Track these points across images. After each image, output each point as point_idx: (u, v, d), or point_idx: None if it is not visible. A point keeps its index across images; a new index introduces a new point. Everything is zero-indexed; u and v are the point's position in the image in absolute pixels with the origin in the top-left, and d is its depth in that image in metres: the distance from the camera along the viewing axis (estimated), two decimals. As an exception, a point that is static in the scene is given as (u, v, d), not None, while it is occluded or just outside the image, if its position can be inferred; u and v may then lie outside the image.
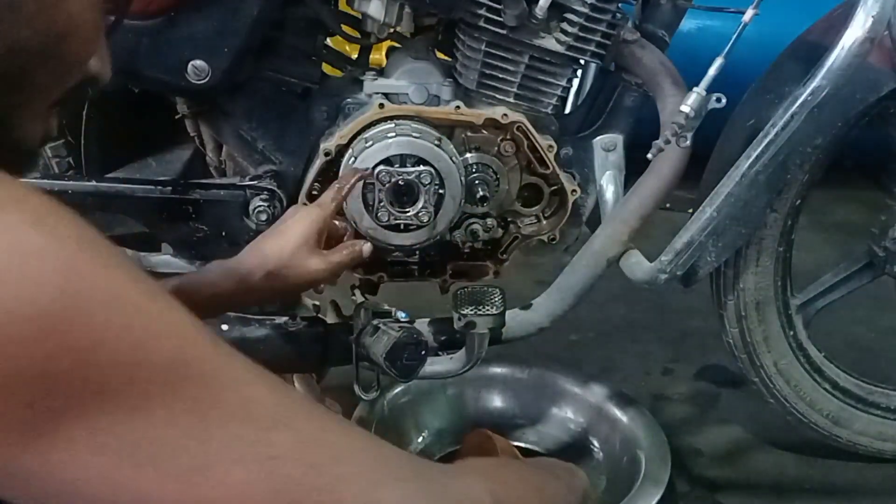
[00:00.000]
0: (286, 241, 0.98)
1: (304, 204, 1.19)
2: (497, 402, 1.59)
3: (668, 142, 1.11)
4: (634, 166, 1.29)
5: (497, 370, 1.59)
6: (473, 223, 1.26)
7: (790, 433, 1.57)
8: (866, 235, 1.51)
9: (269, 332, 1.19)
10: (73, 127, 1.32)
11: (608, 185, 1.29)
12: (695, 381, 1.87)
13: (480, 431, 1.44)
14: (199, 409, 0.45)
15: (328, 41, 1.28)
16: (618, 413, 1.49)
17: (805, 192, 1.35)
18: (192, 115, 1.23)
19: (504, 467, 0.78)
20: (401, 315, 1.17)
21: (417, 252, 1.27)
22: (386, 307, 1.21)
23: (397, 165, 1.17)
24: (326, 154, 1.19)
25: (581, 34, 1.16)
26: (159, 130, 1.35)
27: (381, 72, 1.24)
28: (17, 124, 0.55)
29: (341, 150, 1.20)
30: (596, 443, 1.51)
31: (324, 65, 1.26)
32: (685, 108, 1.09)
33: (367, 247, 1.07)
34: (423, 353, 1.11)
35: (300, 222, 1.00)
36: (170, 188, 1.17)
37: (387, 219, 1.19)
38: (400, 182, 1.17)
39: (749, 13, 1.08)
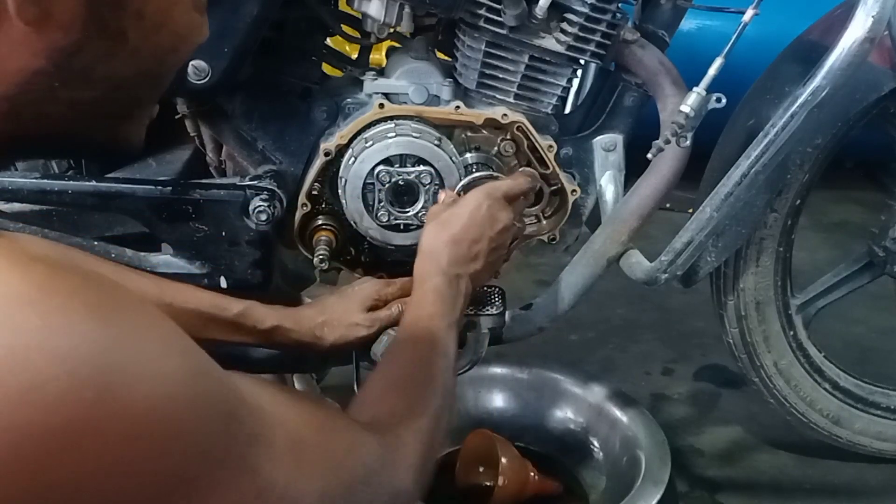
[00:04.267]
0: (347, 298, 1.12)
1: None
2: (497, 402, 1.59)
3: (668, 142, 1.11)
4: (634, 166, 1.29)
5: (497, 370, 1.59)
6: (473, 223, 1.25)
7: (790, 433, 1.57)
8: (866, 235, 1.51)
9: (269, 332, 1.19)
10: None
11: (608, 185, 1.29)
12: (695, 381, 1.87)
13: (480, 431, 1.45)
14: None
15: (328, 41, 1.28)
16: (618, 413, 1.49)
17: (805, 192, 1.35)
18: (192, 115, 1.23)
19: None
20: (401, 315, 1.17)
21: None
22: (386, 307, 1.21)
23: (397, 165, 1.17)
24: (326, 154, 1.19)
25: (581, 34, 1.16)
26: (159, 130, 1.35)
27: (381, 72, 1.24)
28: (126, 133, 0.59)
29: (341, 150, 1.20)
30: (596, 443, 1.51)
31: (324, 65, 1.26)
32: (685, 108, 1.09)
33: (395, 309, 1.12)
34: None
35: (365, 285, 1.14)
36: (170, 188, 1.17)
37: (387, 219, 1.19)
38: (400, 182, 1.17)
39: (749, 13, 1.08)
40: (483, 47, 1.17)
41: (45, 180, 1.14)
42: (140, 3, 0.51)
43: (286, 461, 0.54)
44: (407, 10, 1.17)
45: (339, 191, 1.19)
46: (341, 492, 0.60)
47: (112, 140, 0.58)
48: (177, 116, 1.24)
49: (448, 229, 1.03)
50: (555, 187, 1.27)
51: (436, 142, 1.18)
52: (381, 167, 1.16)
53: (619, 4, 1.18)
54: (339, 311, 1.09)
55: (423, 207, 1.19)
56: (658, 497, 1.28)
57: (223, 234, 1.22)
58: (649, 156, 1.15)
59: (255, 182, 1.19)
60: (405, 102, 1.21)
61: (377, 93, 1.21)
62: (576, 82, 1.37)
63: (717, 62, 1.08)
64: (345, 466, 0.61)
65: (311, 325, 1.07)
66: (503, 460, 1.35)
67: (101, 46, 0.50)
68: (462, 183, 1.18)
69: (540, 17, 1.13)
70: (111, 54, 0.51)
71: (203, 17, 0.57)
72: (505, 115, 1.20)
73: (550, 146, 1.23)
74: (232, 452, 0.50)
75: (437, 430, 0.77)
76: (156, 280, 1.05)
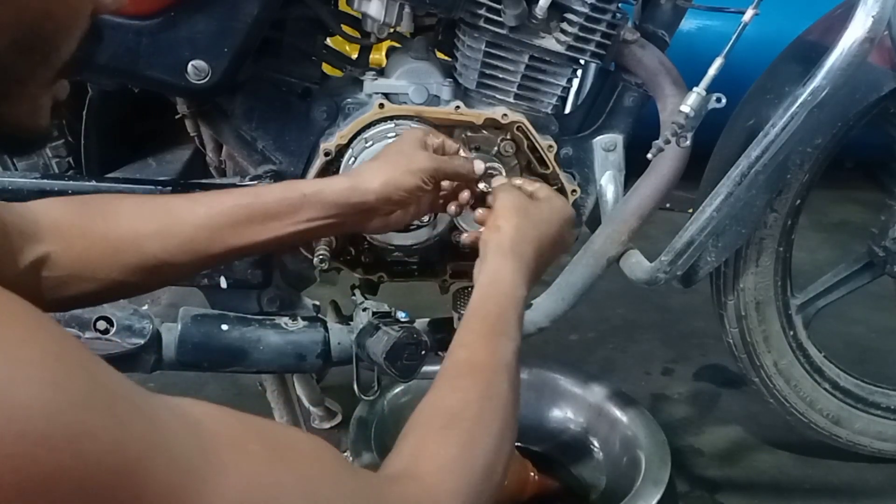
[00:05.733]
0: (399, 149, 0.95)
1: None
2: (497, 402, 1.59)
3: (668, 142, 1.11)
4: (634, 166, 1.29)
5: (497, 370, 1.59)
6: (473, 223, 1.25)
7: (790, 433, 1.57)
8: (866, 235, 1.51)
9: (269, 332, 1.19)
10: (73, 127, 1.32)
11: (608, 185, 1.29)
12: (695, 381, 1.87)
13: (480, 431, 1.44)
14: None
15: (328, 41, 1.28)
16: (618, 413, 1.49)
17: (805, 192, 1.35)
18: (192, 115, 1.23)
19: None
20: (401, 315, 1.17)
21: (417, 252, 1.27)
22: (386, 307, 1.21)
23: (397, 165, 1.17)
24: (326, 154, 1.19)
25: (581, 34, 1.16)
26: (159, 130, 1.35)
27: (381, 72, 1.24)
28: (11, 116, 0.52)
29: (341, 150, 1.20)
30: (596, 443, 1.50)
31: (324, 65, 1.26)
32: (685, 108, 1.09)
33: (479, 164, 0.97)
34: (423, 353, 1.11)
35: (408, 133, 0.98)
36: (170, 188, 1.17)
37: (387, 219, 1.19)
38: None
39: (749, 13, 1.08)
40: (483, 47, 1.17)
41: (45, 180, 1.14)
42: None
43: None
44: (407, 10, 1.17)
45: (339, 191, 1.19)
46: None
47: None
48: (177, 116, 1.24)
49: (538, 231, 0.87)
50: (555, 187, 1.27)
51: (436, 142, 1.18)
52: (381, 167, 1.16)
53: (619, 4, 1.18)
54: (398, 162, 0.92)
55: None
56: (658, 497, 1.28)
57: (223, 234, 1.22)
58: (649, 156, 1.15)
59: (255, 182, 1.19)
60: (405, 102, 1.21)
61: (377, 93, 1.21)
62: (576, 82, 1.37)
63: (717, 62, 1.08)
64: None
65: (375, 185, 0.91)
66: (503, 460, 1.35)
67: None
68: None
69: (540, 17, 1.13)
70: None
71: None
72: (505, 115, 1.20)
73: (550, 146, 1.23)
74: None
75: (488, 479, 0.65)
76: (188, 195, 0.93)
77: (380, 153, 0.98)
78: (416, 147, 0.95)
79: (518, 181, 0.97)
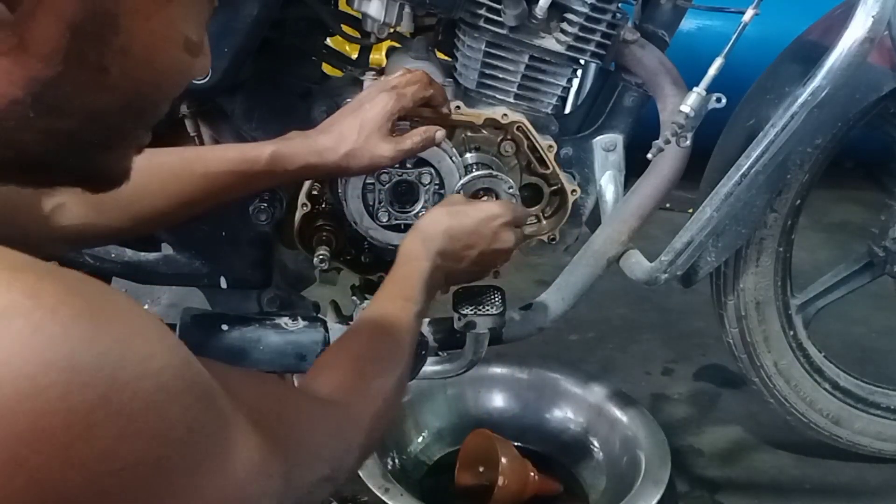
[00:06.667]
0: (364, 125, 1.04)
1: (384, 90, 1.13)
2: (497, 402, 1.59)
3: (668, 142, 1.11)
4: (634, 166, 1.29)
5: (497, 370, 1.59)
6: (473, 223, 1.25)
7: (790, 433, 1.57)
8: (866, 235, 1.51)
9: (269, 332, 1.19)
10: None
11: (608, 185, 1.29)
12: (695, 381, 1.87)
13: (480, 431, 1.45)
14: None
15: (328, 41, 1.28)
16: (618, 413, 1.49)
17: (805, 192, 1.35)
18: (192, 115, 1.23)
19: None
20: (401, 315, 1.17)
21: (417, 252, 1.27)
22: (386, 307, 1.20)
23: (397, 165, 1.17)
24: (326, 154, 1.19)
25: (581, 34, 1.16)
26: (159, 131, 1.35)
27: (381, 72, 1.24)
28: (105, 164, 0.58)
29: (341, 150, 1.19)
30: (596, 443, 1.51)
31: (324, 65, 1.26)
32: (685, 108, 1.09)
33: (440, 133, 1.09)
34: (423, 352, 1.11)
35: (378, 107, 1.05)
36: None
37: (387, 219, 1.19)
38: (400, 182, 1.17)
39: (749, 13, 1.08)
40: (483, 47, 1.17)
41: (45, 180, 1.14)
42: (126, 40, 0.51)
43: (254, 436, 0.58)
44: (407, 10, 1.17)
45: (339, 191, 1.19)
46: (302, 458, 0.66)
47: (90, 170, 0.58)
48: (177, 116, 1.24)
49: (451, 220, 1.02)
50: (555, 187, 1.27)
51: (436, 142, 1.18)
52: (380, 167, 1.16)
53: (619, 4, 1.18)
54: (360, 141, 1.04)
55: (423, 207, 1.19)
56: (658, 497, 1.28)
57: (223, 233, 1.22)
58: (649, 156, 1.15)
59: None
60: (405, 102, 1.21)
61: (377, 93, 1.21)
62: (576, 82, 1.37)
63: (717, 62, 1.08)
64: (303, 438, 0.68)
65: (336, 157, 1.04)
66: (503, 460, 1.36)
67: (80, 79, 0.50)
68: (462, 182, 1.18)
69: (540, 17, 1.13)
70: (90, 87, 0.51)
71: (195, 58, 0.57)
72: (505, 115, 1.20)
73: (550, 146, 1.23)
74: (214, 431, 0.53)
75: (385, 412, 0.83)
76: (180, 153, 1.05)
77: (355, 130, 1.05)
78: (384, 137, 1.05)
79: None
